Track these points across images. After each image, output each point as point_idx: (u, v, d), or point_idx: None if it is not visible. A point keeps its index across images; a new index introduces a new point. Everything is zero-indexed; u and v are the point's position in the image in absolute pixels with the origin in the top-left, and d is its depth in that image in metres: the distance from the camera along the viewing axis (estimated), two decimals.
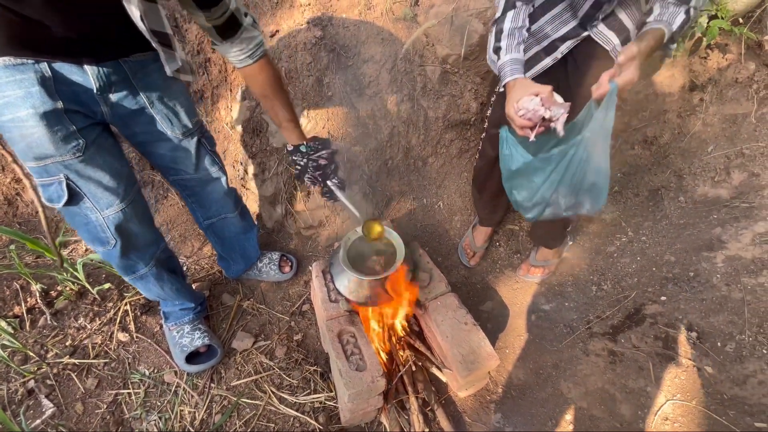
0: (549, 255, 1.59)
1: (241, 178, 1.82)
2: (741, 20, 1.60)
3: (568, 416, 1.24)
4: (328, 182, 1.20)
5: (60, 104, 0.87)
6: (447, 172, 1.90)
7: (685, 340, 1.28)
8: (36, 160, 0.90)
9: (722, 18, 1.53)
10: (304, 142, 1.16)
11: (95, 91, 0.92)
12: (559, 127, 0.98)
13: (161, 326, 1.45)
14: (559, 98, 1.02)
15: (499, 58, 1.12)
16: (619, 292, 1.50)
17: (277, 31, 1.75)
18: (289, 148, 1.19)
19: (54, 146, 0.89)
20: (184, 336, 1.35)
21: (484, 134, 1.48)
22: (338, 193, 1.20)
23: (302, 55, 1.72)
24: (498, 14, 1.14)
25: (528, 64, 1.23)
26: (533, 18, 1.16)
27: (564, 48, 1.20)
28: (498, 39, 1.12)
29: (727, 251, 1.41)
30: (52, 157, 0.90)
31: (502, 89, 1.36)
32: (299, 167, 1.18)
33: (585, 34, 1.13)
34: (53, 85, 0.86)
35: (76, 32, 0.84)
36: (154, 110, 1.06)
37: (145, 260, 1.18)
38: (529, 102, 0.99)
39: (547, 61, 1.22)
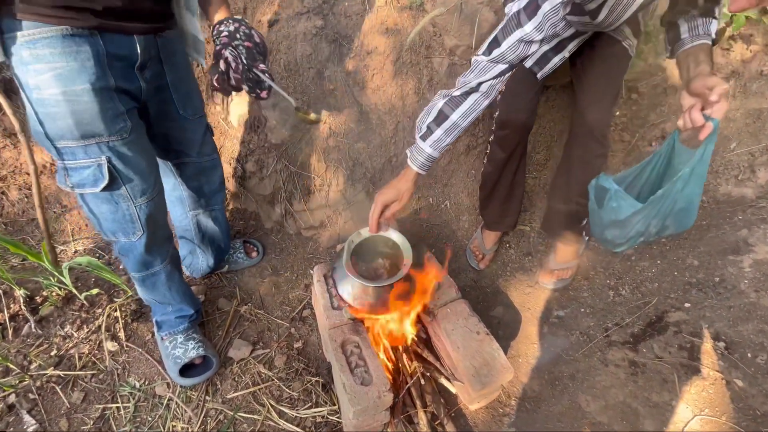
0: (568, 255, 1.50)
1: (239, 176, 1.73)
2: None
3: None
4: (255, 70, 0.97)
5: (113, 82, 0.86)
6: (454, 169, 1.81)
7: (712, 351, 1.20)
8: (81, 139, 0.87)
9: None
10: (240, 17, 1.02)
11: (137, 65, 0.91)
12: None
13: (153, 334, 1.37)
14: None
15: (423, 140, 1.06)
16: (638, 298, 1.41)
17: (276, 20, 1.65)
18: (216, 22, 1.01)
19: (104, 125, 0.87)
20: (178, 346, 1.26)
21: (492, 136, 1.39)
22: (266, 79, 0.98)
23: (302, 46, 1.62)
24: (458, 91, 1.02)
25: (538, 64, 1.21)
26: None
27: (572, 46, 1.17)
28: (438, 122, 1.04)
29: (755, 255, 1.32)
30: (99, 136, 0.88)
31: (503, 89, 1.31)
32: (226, 35, 0.96)
33: (595, 30, 1.07)
34: (107, 62, 0.84)
35: None
36: (173, 89, 1.06)
37: (162, 256, 1.15)
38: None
39: (556, 61, 1.19)
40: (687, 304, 1.31)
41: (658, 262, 1.48)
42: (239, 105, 1.68)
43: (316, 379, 1.30)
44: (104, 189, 0.93)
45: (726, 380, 1.14)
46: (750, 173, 1.51)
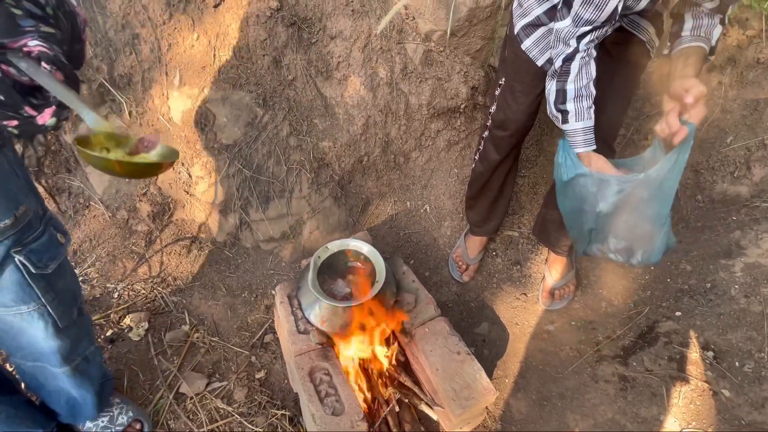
0: (564, 267, 1.69)
1: (184, 182, 1.83)
2: None
3: None
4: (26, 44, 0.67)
5: None
6: (434, 168, 1.98)
7: (700, 361, 1.42)
8: None
9: None
10: None
11: None
12: None
13: None
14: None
15: (565, 122, 1.17)
16: (630, 308, 1.63)
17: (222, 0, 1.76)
18: None
19: None
20: None
21: (486, 133, 1.56)
22: (36, 72, 0.67)
23: (255, 30, 1.73)
24: (557, 64, 1.13)
25: (552, 62, 1.28)
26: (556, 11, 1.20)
27: None
28: (563, 100, 1.15)
29: (747, 258, 1.55)
30: None
31: (502, 82, 1.44)
32: None
33: (616, 24, 1.19)
34: None
35: None
36: None
37: None
38: None
39: None
40: (678, 313, 1.53)
41: (652, 268, 1.70)
42: (181, 99, 1.79)
43: (282, 412, 1.44)
44: None
45: (713, 391, 1.36)
46: (746, 170, 1.75)
